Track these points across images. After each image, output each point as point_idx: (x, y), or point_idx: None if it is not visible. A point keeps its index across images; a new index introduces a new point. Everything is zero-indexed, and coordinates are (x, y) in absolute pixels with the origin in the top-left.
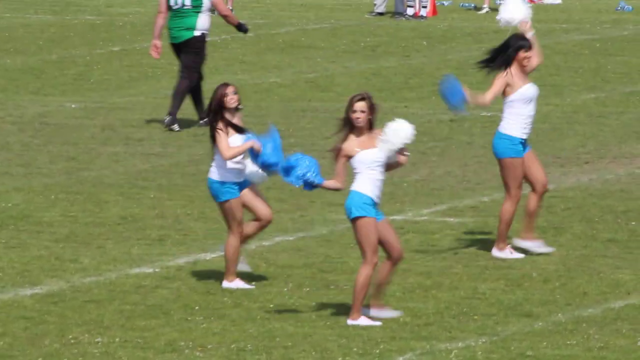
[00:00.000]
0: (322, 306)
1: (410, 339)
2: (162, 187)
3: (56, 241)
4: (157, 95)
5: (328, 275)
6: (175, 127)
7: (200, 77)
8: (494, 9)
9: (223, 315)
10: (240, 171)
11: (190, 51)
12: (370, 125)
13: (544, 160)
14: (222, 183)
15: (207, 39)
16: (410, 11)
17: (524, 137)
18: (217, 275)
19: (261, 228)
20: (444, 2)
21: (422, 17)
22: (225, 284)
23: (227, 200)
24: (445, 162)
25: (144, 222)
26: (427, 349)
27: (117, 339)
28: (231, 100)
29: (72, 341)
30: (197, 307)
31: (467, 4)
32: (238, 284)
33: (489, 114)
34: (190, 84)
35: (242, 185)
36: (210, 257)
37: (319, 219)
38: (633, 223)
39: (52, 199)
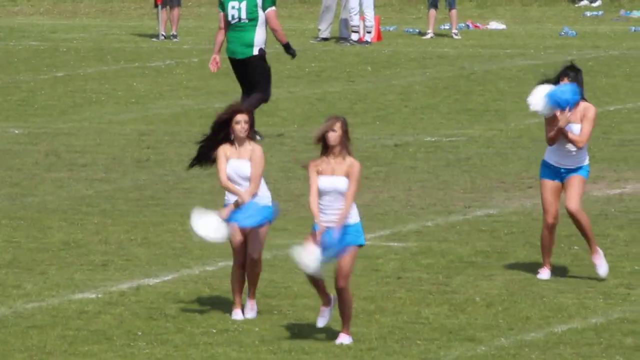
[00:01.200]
0: (265, 331)
1: None
2: (106, 213)
3: None
4: (101, 121)
5: (271, 300)
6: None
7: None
8: (438, 34)
9: (166, 341)
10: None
11: (255, 72)
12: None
13: (489, 184)
14: None
15: (265, 54)
16: (354, 36)
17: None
18: (160, 301)
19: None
20: (389, 28)
21: (366, 42)
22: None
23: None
24: (389, 186)
25: (87, 248)
26: None
27: None
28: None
29: None
30: (140, 333)
31: (411, 30)
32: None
33: (433, 139)
34: (262, 98)
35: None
36: (154, 282)
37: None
38: (576, 247)
39: None
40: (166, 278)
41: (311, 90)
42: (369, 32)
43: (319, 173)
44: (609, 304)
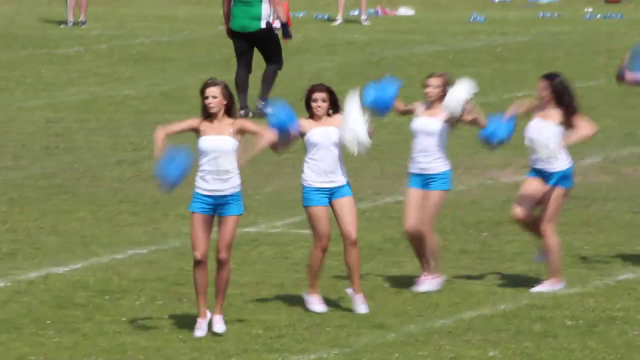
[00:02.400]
0: (174, 319)
1: (262, 351)
2: (14, 201)
3: None
4: (10, 108)
5: (181, 288)
6: (268, 108)
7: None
8: (348, 21)
9: (75, 329)
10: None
11: (265, 44)
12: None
13: (397, 171)
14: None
15: (273, 26)
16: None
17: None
18: (69, 290)
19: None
20: (298, 14)
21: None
22: (304, 295)
23: (306, 207)
24: (298, 174)
25: None
26: None
27: None
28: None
29: None
30: (48, 321)
31: (320, 16)
32: (314, 302)
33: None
34: (277, 67)
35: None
36: (62, 271)
37: (172, 232)
38: (484, 234)
39: None
40: (75, 266)
41: (222, 77)
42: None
43: (202, 133)
44: (517, 291)
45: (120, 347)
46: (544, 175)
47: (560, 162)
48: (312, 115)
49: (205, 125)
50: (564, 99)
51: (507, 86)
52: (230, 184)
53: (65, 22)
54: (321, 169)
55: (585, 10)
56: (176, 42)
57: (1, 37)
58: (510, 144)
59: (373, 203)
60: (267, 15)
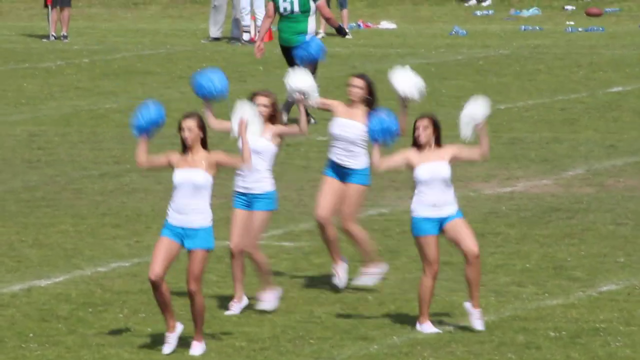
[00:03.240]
0: (157, 332)
1: None
2: None
3: None
4: None
5: None
6: (312, 121)
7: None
8: (330, 34)
9: (58, 342)
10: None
11: None
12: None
13: (380, 184)
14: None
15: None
16: (246, 36)
17: None
18: (52, 302)
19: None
20: None
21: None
22: (418, 325)
23: (416, 237)
24: (281, 186)
25: None
26: None
27: None
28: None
29: None
30: (31, 334)
31: None
32: (428, 327)
33: (324, 139)
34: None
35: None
36: (45, 284)
37: (154, 244)
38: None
39: None
40: (58, 279)
41: None
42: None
43: (176, 166)
44: (500, 302)
45: None
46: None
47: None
48: (414, 142)
49: (178, 158)
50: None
51: (488, 99)
52: (200, 216)
53: (47, 37)
54: (430, 201)
55: (567, 23)
56: (157, 56)
57: None
58: (494, 156)
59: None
60: (311, 30)
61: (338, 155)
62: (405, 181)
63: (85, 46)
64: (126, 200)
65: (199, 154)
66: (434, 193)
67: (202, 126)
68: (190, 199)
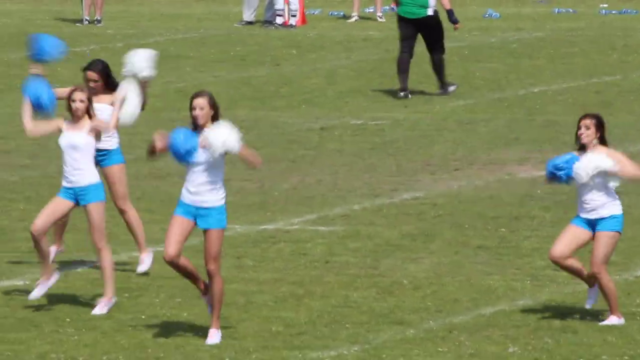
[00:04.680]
0: (193, 316)
1: (282, 348)
2: (31, 199)
3: None
4: None
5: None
6: (451, 88)
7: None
8: (363, 17)
9: (94, 327)
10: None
11: (430, 30)
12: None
13: (415, 167)
14: None
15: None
16: (279, 20)
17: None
18: (88, 287)
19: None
20: (313, 11)
21: (291, 25)
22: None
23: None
24: (315, 170)
25: (12, 235)
26: (299, 358)
27: None
28: None
29: None
30: (68, 319)
31: (336, 13)
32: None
33: (359, 122)
34: (442, 54)
35: None
36: (81, 269)
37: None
38: (503, 229)
39: None
40: (94, 264)
41: (236, 75)
42: (293, 16)
43: None
44: (536, 286)
45: (139, 345)
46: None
47: None
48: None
49: None
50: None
51: (522, 82)
52: (214, 195)
53: (81, 21)
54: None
55: (601, 5)
56: (191, 40)
57: (17, 36)
58: (528, 139)
59: (390, 199)
60: (433, 4)
61: None
62: (439, 165)
63: (119, 30)
64: (160, 184)
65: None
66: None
67: (214, 104)
68: (205, 178)
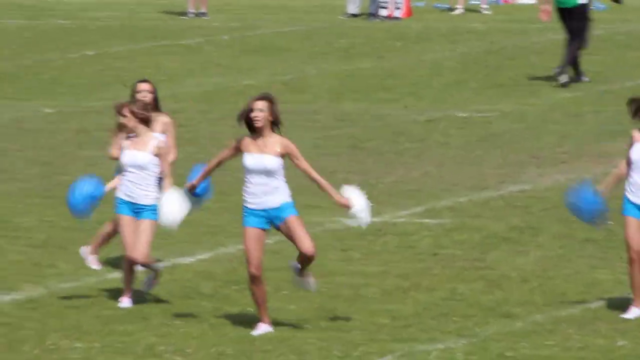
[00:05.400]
0: (300, 309)
1: (389, 341)
2: None
3: (33, 246)
4: None
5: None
6: (563, 77)
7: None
8: (469, 10)
9: (202, 319)
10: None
11: (575, 18)
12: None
13: (521, 160)
14: None
15: (591, 7)
16: (383, 12)
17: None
18: (195, 280)
19: None
20: (418, 3)
21: (396, 18)
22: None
23: None
24: (421, 163)
25: None
26: (406, 351)
27: (96, 344)
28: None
29: (51, 347)
30: (176, 312)
31: (441, 5)
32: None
33: (464, 115)
34: (578, 46)
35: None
36: (189, 261)
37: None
38: (610, 222)
39: (29, 204)
40: (201, 257)
41: (341, 67)
42: (398, 8)
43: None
44: None
45: (246, 337)
46: None
47: None
48: None
49: (248, 142)
50: None
51: (628, 73)
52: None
53: (186, 14)
54: None
55: None
56: (296, 33)
57: (123, 29)
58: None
59: (497, 192)
60: None
61: None
62: (546, 157)
63: (225, 23)
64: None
65: (271, 137)
66: None
67: (274, 110)
68: (267, 182)
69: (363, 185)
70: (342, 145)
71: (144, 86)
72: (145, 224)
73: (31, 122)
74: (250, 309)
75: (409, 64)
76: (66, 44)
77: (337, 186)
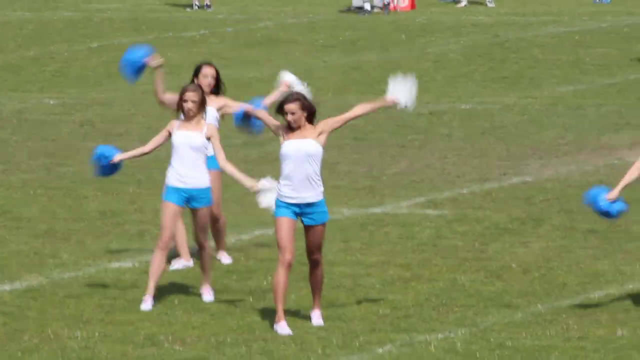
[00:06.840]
0: (301, 299)
1: (389, 331)
2: (141, 182)
3: (35, 236)
4: (136, 91)
5: (306, 268)
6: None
7: None
8: (473, 2)
9: (202, 309)
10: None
11: None
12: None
13: (523, 152)
14: None
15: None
16: (377, 2)
17: None
18: (196, 269)
19: None
20: None
21: (387, 10)
22: None
23: None
24: (424, 154)
25: (122, 217)
26: (406, 341)
27: (96, 334)
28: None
29: (51, 336)
30: (176, 301)
31: None
32: None
33: (468, 107)
34: None
35: None
36: (190, 250)
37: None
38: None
39: (31, 195)
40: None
41: (346, 59)
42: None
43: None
44: None
45: (247, 327)
46: None
47: None
48: None
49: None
50: None
51: (632, 67)
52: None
53: (191, 6)
54: None
55: None
56: (300, 25)
57: (128, 21)
58: (638, 124)
59: (499, 183)
60: None
61: None
62: (549, 149)
63: (229, 15)
64: (269, 168)
65: (307, 127)
66: None
67: (305, 107)
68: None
69: (366, 177)
70: (346, 137)
71: (208, 70)
72: (204, 212)
73: (35, 114)
74: (250, 299)
75: (413, 57)
76: (71, 36)
77: (340, 177)
